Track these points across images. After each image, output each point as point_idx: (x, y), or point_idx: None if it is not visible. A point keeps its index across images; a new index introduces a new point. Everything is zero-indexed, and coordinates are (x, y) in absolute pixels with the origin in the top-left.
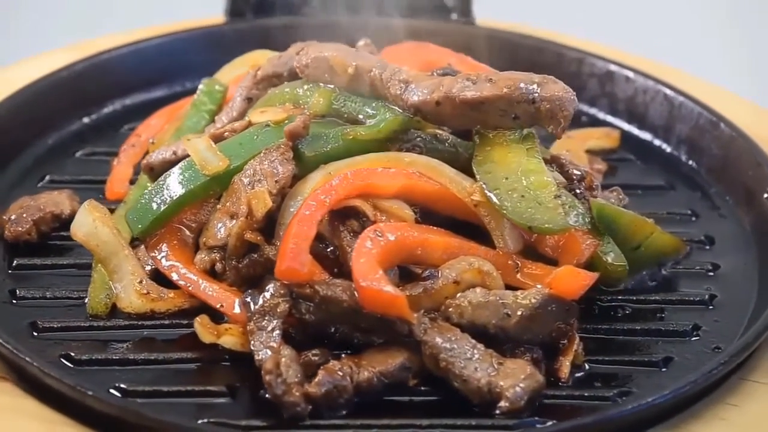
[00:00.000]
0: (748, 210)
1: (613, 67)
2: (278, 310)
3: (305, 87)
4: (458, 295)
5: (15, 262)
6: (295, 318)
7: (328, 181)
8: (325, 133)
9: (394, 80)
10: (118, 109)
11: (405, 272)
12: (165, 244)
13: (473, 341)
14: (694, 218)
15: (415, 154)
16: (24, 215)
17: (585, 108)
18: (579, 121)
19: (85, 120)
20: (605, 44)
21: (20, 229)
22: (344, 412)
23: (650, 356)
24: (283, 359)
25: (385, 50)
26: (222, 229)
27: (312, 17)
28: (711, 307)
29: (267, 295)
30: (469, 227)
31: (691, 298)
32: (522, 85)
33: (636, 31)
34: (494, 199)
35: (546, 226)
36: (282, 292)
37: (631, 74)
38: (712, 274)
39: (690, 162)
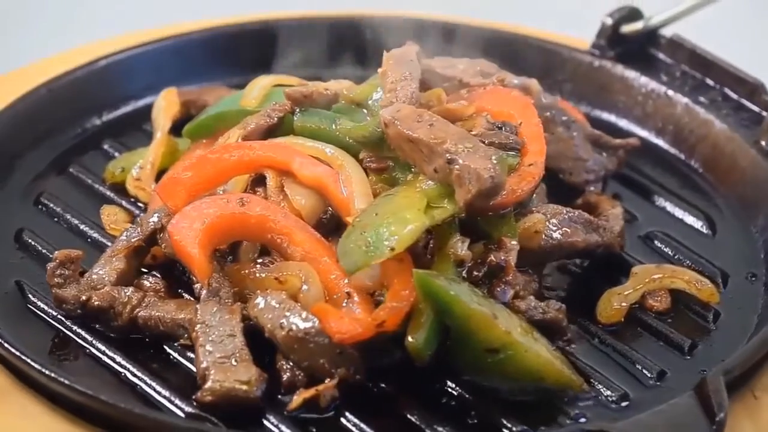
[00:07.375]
0: None
1: None
2: (144, 228)
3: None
4: (267, 291)
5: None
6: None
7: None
8: (330, 116)
9: (393, 94)
10: None
11: None
12: (195, 150)
13: (238, 334)
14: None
15: (353, 160)
16: None
17: None
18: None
19: None
20: None
21: None
22: (113, 335)
23: None
24: (109, 267)
25: (488, 89)
26: None
27: None
28: None
29: (151, 212)
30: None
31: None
32: (450, 142)
33: None
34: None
35: (342, 262)
36: (159, 215)
37: None
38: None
39: None
